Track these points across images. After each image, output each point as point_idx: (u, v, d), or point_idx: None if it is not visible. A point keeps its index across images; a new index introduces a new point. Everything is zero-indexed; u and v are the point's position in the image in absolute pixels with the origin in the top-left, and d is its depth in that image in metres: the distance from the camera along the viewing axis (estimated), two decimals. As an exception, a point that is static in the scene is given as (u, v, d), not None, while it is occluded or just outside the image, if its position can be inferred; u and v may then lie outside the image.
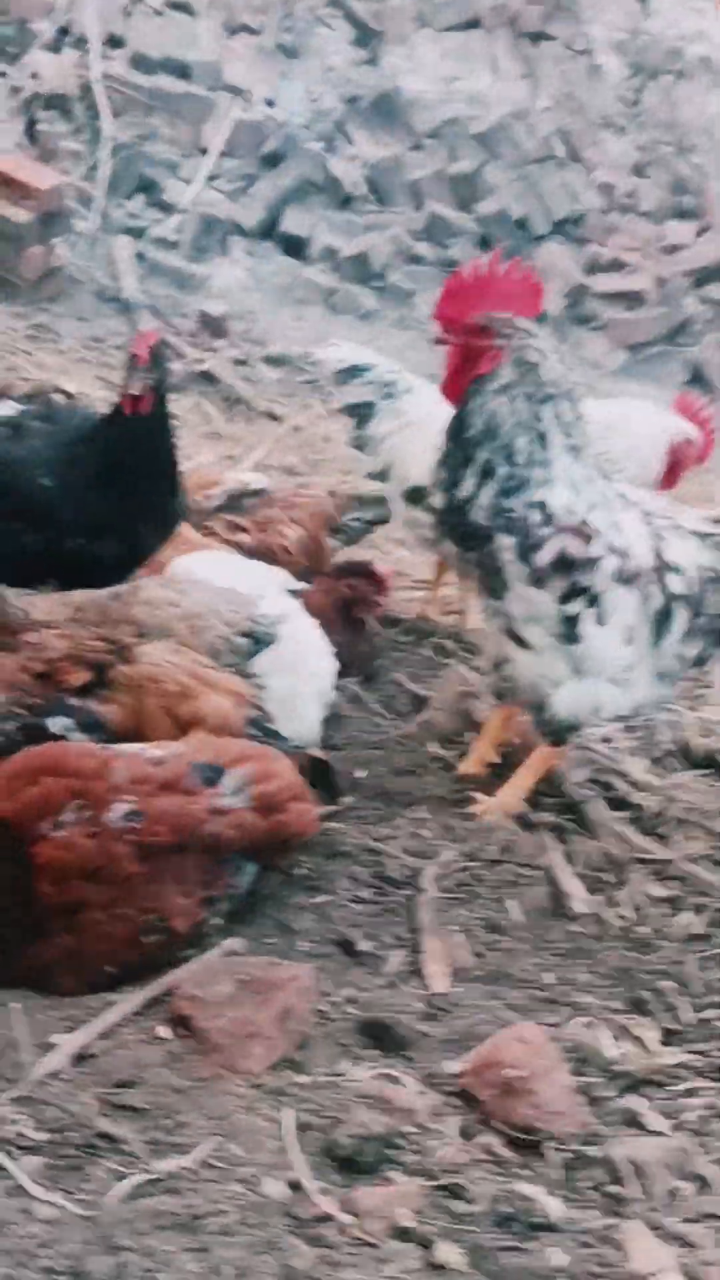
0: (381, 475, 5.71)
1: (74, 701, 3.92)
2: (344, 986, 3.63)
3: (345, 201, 10.34)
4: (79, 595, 4.40)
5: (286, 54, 10.60)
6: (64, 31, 10.31)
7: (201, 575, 4.53)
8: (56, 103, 10.04)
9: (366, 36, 10.76)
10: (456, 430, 4.19)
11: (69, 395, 8.29)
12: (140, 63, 10.20)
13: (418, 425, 5.49)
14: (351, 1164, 3.07)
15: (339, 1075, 3.33)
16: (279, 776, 3.75)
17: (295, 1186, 2.97)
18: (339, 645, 4.90)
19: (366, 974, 3.70)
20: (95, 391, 8.46)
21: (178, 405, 8.43)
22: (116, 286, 9.53)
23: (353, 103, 10.54)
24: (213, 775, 3.65)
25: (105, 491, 4.51)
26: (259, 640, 4.33)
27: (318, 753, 4.34)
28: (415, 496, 5.46)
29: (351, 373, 5.72)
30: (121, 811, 3.48)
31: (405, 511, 5.58)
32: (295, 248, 10.18)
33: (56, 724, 3.87)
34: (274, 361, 9.46)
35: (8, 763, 3.58)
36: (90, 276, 9.64)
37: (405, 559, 7.21)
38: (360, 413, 5.66)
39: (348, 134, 10.50)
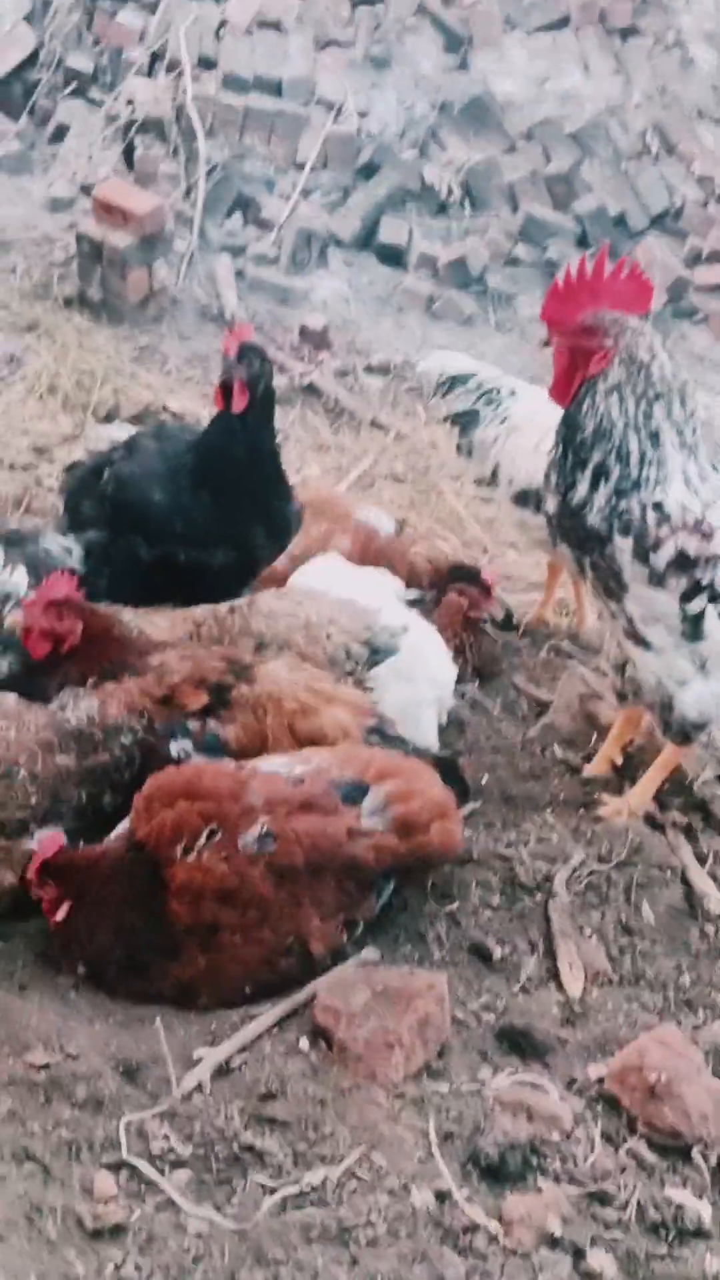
0: (490, 480, 5.72)
1: (193, 724, 3.96)
2: (480, 993, 3.63)
3: (441, 208, 10.33)
4: (198, 610, 4.45)
5: (377, 65, 10.62)
6: (156, 57, 10.42)
7: (320, 585, 4.56)
8: (152, 127, 10.15)
9: (455, 42, 10.75)
10: (568, 433, 4.17)
11: (176, 414, 8.38)
12: (233, 83, 10.27)
13: (523, 428, 5.49)
14: (496, 1172, 3.07)
15: (479, 1082, 3.33)
16: (422, 794, 3.71)
17: (442, 1196, 2.98)
18: (456, 650, 4.92)
19: (502, 980, 3.70)
20: (202, 410, 8.54)
21: (285, 419, 8.61)
22: (218, 304, 9.61)
23: (445, 109, 10.53)
24: (354, 794, 3.63)
25: (212, 499, 4.57)
26: (379, 650, 4.34)
27: (447, 754, 4.33)
28: (524, 499, 5.44)
29: (453, 383, 5.74)
30: (256, 834, 3.50)
31: (515, 514, 5.58)
32: (393, 257, 10.18)
33: (176, 746, 3.90)
34: (377, 371, 9.47)
35: (145, 786, 3.62)
36: (192, 296, 9.72)
37: (516, 561, 7.20)
38: (464, 420, 5.67)
39: (441, 140, 10.49)
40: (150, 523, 4.61)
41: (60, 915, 3.47)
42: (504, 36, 10.90)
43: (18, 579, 4.51)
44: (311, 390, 9.10)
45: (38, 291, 9.51)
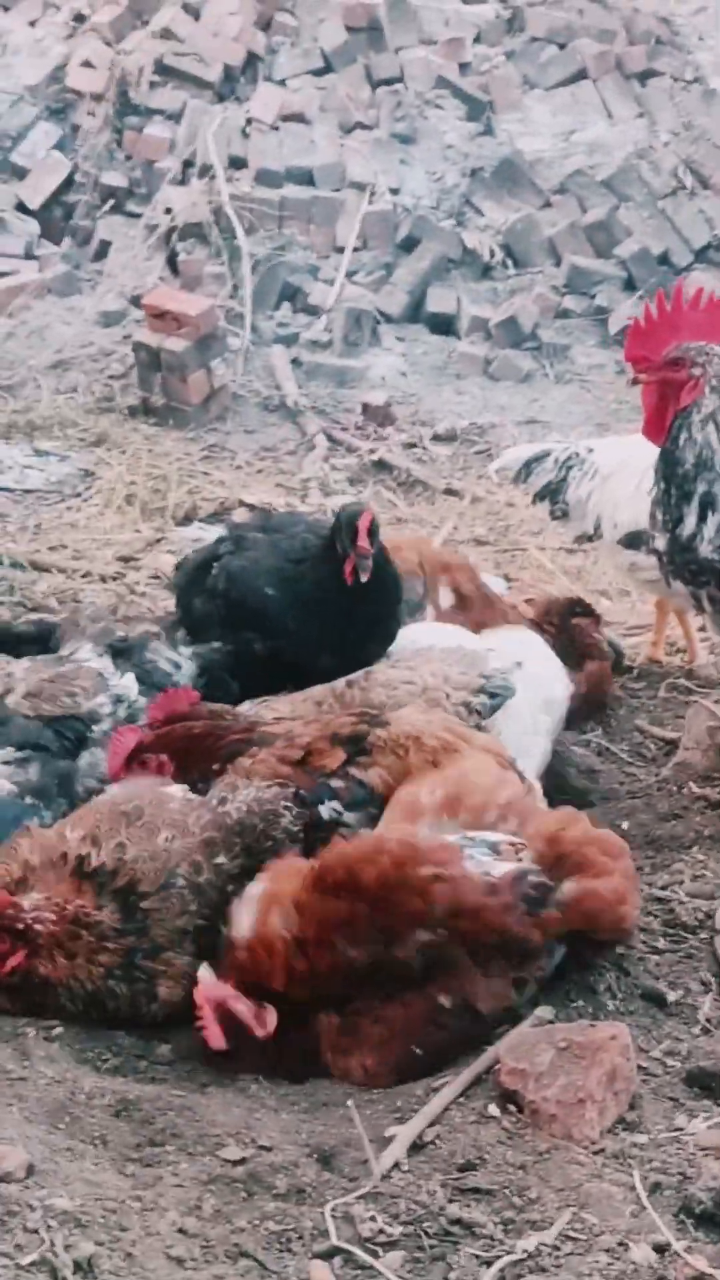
0: (592, 535, 5.73)
1: (336, 783, 3.94)
2: (661, 1039, 3.57)
3: (485, 271, 10.42)
4: (317, 690, 4.46)
5: (403, 141, 10.77)
6: (188, 164, 10.64)
7: (425, 640, 4.56)
8: (192, 231, 10.34)
9: (478, 109, 10.89)
10: (667, 468, 4.17)
11: (252, 508, 8.46)
12: (265, 177, 10.46)
13: (615, 475, 5.52)
14: (713, 1219, 3.00)
15: (677, 1130, 3.27)
16: (603, 891, 3.60)
17: (661, 1249, 2.91)
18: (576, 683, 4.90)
19: (680, 1023, 3.64)
20: (276, 499, 8.62)
21: (358, 498, 8.67)
22: (279, 394, 9.72)
23: (475, 175, 10.65)
24: (539, 899, 3.55)
25: (327, 614, 4.59)
26: (497, 695, 4.33)
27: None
28: (633, 542, 5.43)
29: (530, 466, 5.85)
30: (419, 941, 3.47)
31: (621, 557, 5.57)
32: (444, 325, 10.27)
33: (326, 810, 3.88)
34: (443, 439, 9.53)
35: (309, 877, 3.56)
36: (252, 390, 9.85)
37: (611, 607, 7.17)
38: (551, 491, 5.76)
39: (476, 205, 10.60)
40: (263, 619, 4.63)
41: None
42: (524, 97, 11.04)
43: (128, 683, 4.54)
44: (382, 466, 9.17)
45: (101, 405, 9.67)
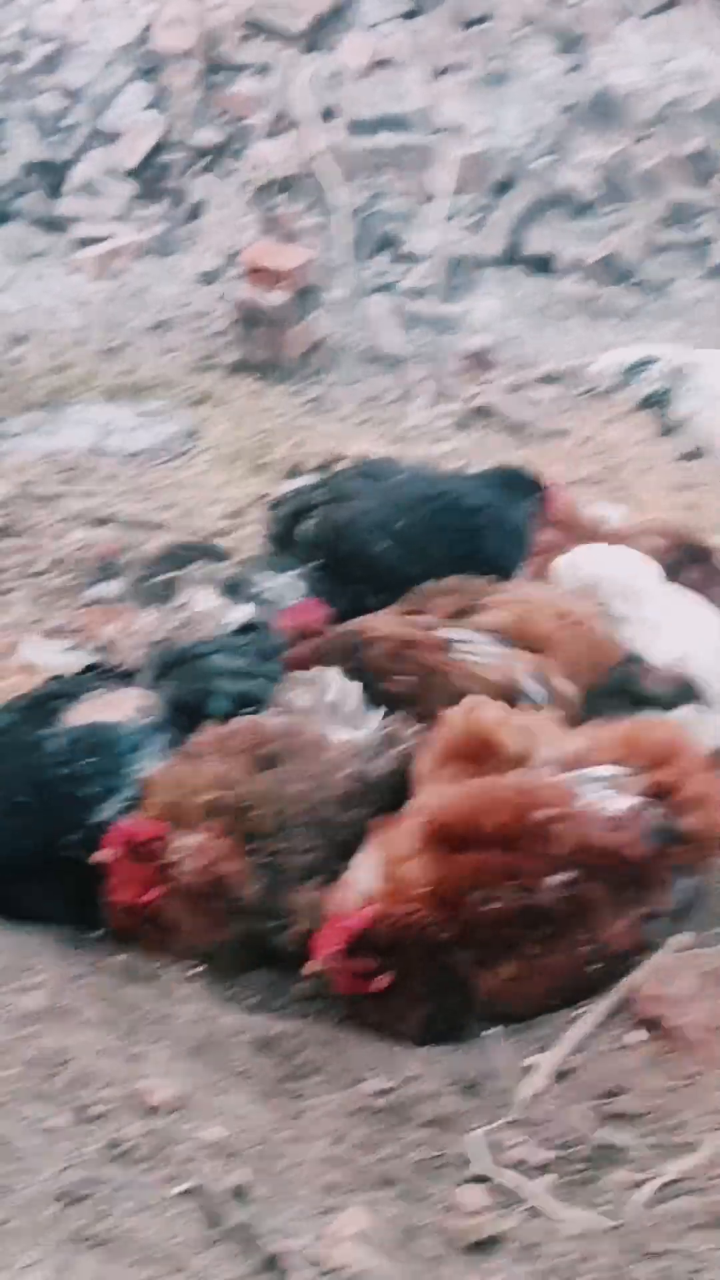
0: (696, 454, 5.63)
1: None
2: None
3: (584, 209, 10.24)
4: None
5: (495, 81, 10.59)
6: (279, 118, 10.57)
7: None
8: (287, 185, 10.28)
9: (570, 43, 10.68)
10: None
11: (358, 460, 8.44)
12: (357, 126, 10.35)
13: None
14: None
15: None
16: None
17: None
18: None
19: None
20: (383, 449, 8.58)
21: (465, 442, 8.61)
22: (380, 344, 9.66)
23: (570, 110, 10.45)
24: (667, 838, 3.53)
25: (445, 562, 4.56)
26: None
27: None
28: None
29: (636, 369, 5.68)
30: (556, 882, 3.43)
31: None
32: (543, 266, 10.10)
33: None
34: (549, 380, 9.39)
35: (428, 827, 3.53)
36: (353, 341, 9.79)
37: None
38: (658, 400, 5.60)
39: (572, 143, 10.42)
40: (376, 573, 4.58)
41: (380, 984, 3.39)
42: (617, 28, 10.79)
43: (246, 610, 4.55)
44: (486, 411, 9.08)
45: (202, 364, 9.68)
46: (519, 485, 4.91)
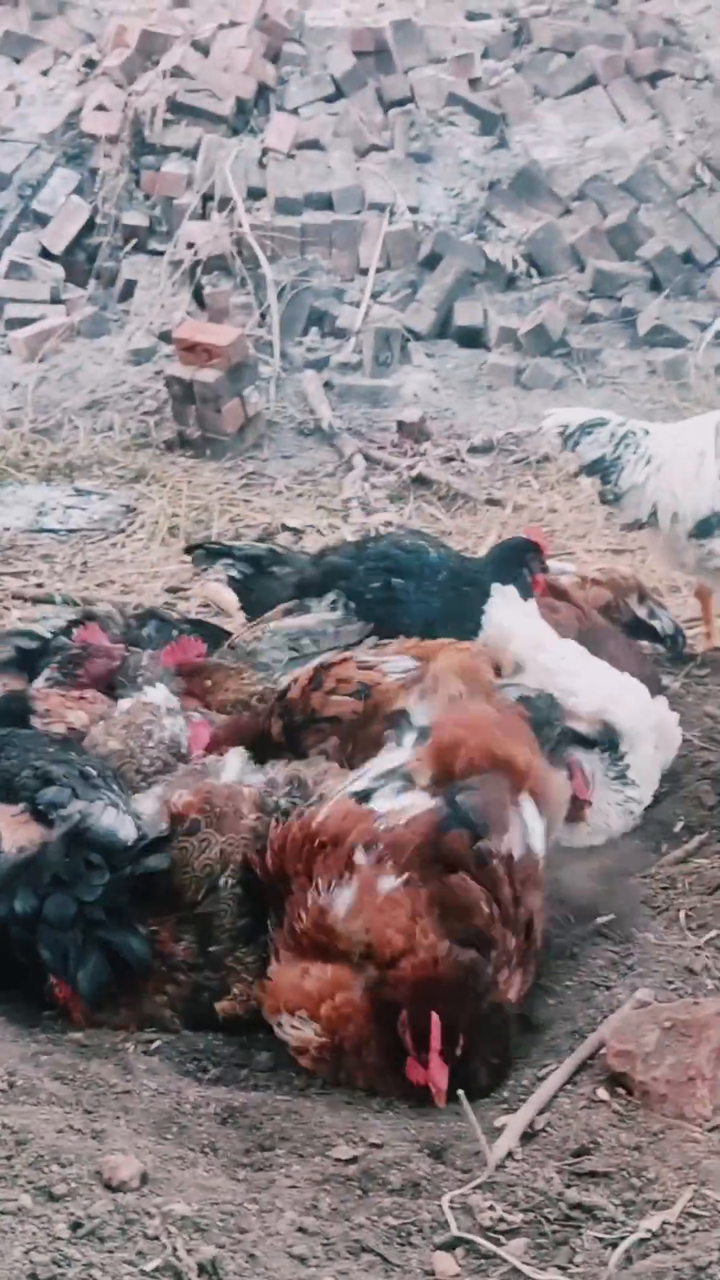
0: (637, 525, 5.65)
1: None
2: (765, 1014, 3.51)
3: (510, 282, 10.40)
4: None
5: (419, 160, 10.78)
6: (207, 198, 10.68)
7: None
8: (216, 264, 10.37)
9: (490, 122, 10.90)
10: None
11: (296, 530, 8.50)
12: (285, 206, 10.48)
13: (672, 463, 5.42)
14: None
15: (791, 1103, 3.22)
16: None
17: (788, 1220, 2.86)
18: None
19: (782, 998, 3.58)
20: (319, 521, 8.64)
21: (401, 514, 8.67)
22: (313, 418, 9.73)
23: (493, 188, 10.65)
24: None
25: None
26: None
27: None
28: (704, 529, 5.35)
29: (583, 431, 5.67)
30: None
31: (687, 551, 5.45)
32: (472, 338, 10.25)
33: None
34: (481, 451, 9.51)
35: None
36: (287, 415, 9.86)
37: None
38: (603, 469, 5.58)
39: (496, 218, 10.59)
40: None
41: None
42: (536, 107, 11.04)
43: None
44: (421, 481, 9.15)
45: (138, 441, 9.70)
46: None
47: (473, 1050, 3.33)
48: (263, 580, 5.31)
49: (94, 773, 3.91)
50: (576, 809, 4.25)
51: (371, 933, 3.41)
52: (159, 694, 4.40)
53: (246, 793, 3.82)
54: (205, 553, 5.88)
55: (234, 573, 5.45)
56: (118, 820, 3.69)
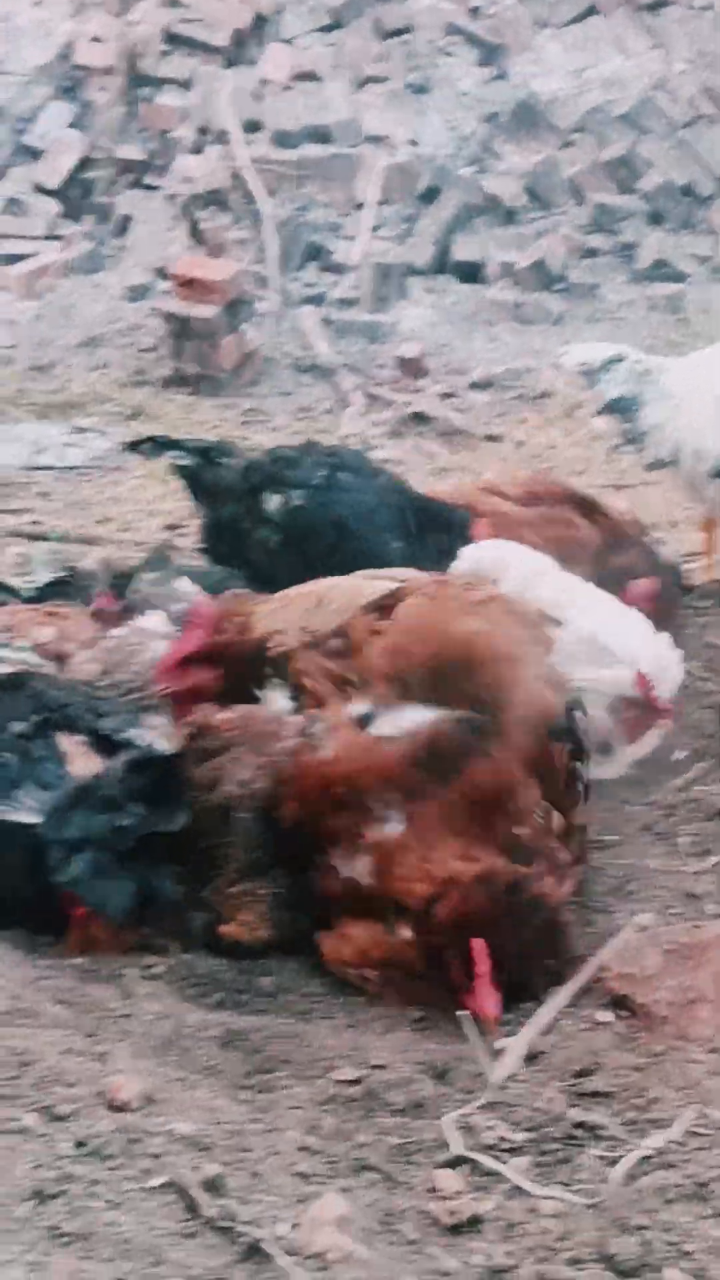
0: (667, 462, 5.55)
1: None
2: (766, 937, 3.52)
3: (509, 216, 10.33)
4: None
5: (417, 91, 10.69)
6: (203, 131, 10.58)
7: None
8: (212, 198, 10.28)
9: (490, 53, 10.79)
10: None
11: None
12: (281, 139, 10.39)
13: (692, 400, 5.31)
14: None
15: None
16: None
17: (789, 1139, 2.87)
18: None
19: (784, 920, 3.59)
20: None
21: (400, 450, 8.62)
22: (311, 355, 9.67)
23: (492, 120, 10.55)
24: None
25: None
26: None
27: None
28: None
29: (604, 368, 5.53)
30: None
31: (713, 486, 5.37)
32: (471, 273, 10.19)
33: None
34: (480, 386, 9.45)
35: None
36: (284, 352, 9.80)
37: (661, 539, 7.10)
38: (623, 406, 5.45)
39: (495, 150, 10.51)
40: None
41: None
42: (536, 36, 10.93)
43: None
44: (420, 418, 9.10)
45: (135, 379, 9.65)
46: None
47: (528, 963, 3.33)
48: (212, 470, 5.28)
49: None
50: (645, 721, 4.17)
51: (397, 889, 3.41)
52: (154, 620, 4.36)
53: (291, 720, 3.80)
54: (154, 445, 5.88)
55: (184, 462, 5.46)
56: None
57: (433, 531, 4.91)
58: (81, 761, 3.77)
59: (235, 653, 4.03)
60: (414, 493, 5.19)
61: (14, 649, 4.34)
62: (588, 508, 5.21)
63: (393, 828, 3.47)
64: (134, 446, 6.27)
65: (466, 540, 4.76)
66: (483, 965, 3.26)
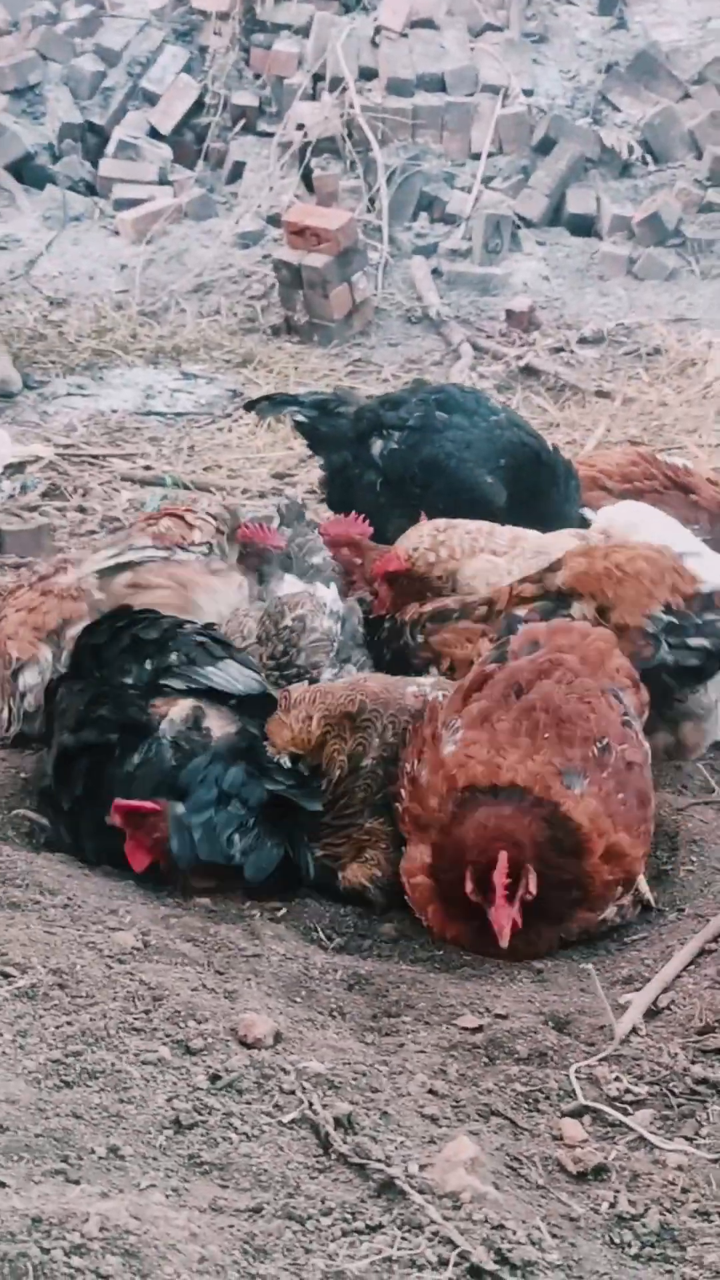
0: None
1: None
2: None
3: (625, 169, 10.20)
4: None
5: (535, 41, 10.55)
6: (318, 78, 10.52)
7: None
8: (326, 146, 10.24)
9: (609, 2, 10.63)
10: None
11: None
12: (396, 87, 10.31)
13: None
14: None
15: None
16: None
17: None
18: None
19: None
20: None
21: (509, 403, 8.58)
22: (421, 306, 9.64)
23: (610, 70, 10.40)
24: None
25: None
26: None
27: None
28: None
29: None
30: None
31: None
32: (585, 226, 10.08)
33: None
34: (591, 341, 9.38)
35: None
36: (394, 302, 9.77)
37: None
38: None
39: (612, 102, 10.36)
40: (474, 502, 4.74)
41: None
42: (658, -14, 10.75)
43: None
44: (530, 371, 9.06)
45: (245, 326, 9.68)
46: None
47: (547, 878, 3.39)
48: (329, 419, 5.54)
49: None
50: None
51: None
52: (329, 593, 4.42)
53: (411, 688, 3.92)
54: (270, 403, 6.01)
55: (301, 417, 5.59)
56: None
57: (530, 470, 5.02)
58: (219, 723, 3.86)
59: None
60: (521, 432, 5.25)
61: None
62: (687, 491, 5.26)
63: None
64: (251, 406, 6.38)
65: (563, 483, 4.88)
66: (501, 882, 3.30)
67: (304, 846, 3.66)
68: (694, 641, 3.91)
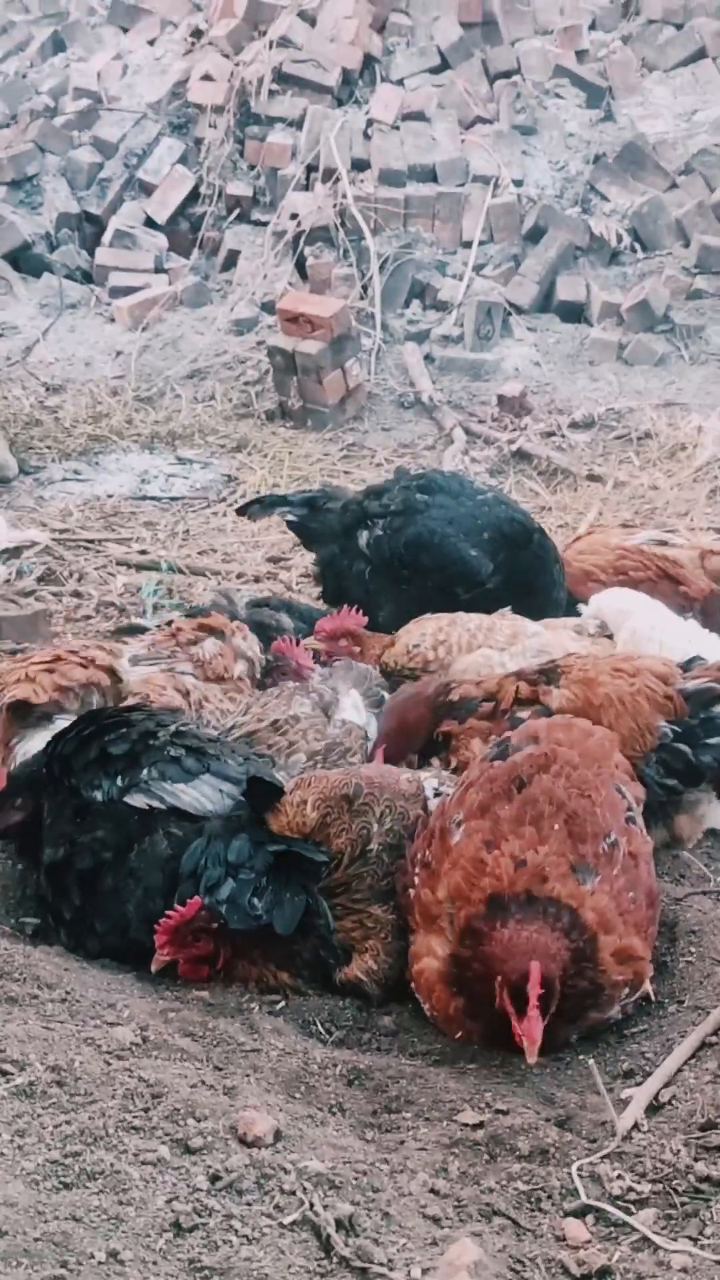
0: None
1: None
2: None
3: (613, 257, 10.36)
4: None
5: (524, 132, 10.75)
6: (311, 169, 10.70)
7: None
8: (319, 235, 10.40)
9: (597, 95, 10.84)
10: None
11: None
12: (388, 177, 10.49)
13: None
14: None
15: None
16: None
17: None
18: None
19: None
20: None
21: (502, 487, 8.66)
22: (414, 391, 9.75)
23: (599, 161, 10.60)
24: None
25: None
26: None
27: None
28: None
29: None
30: None
31: None
32: (575, 313, 10.23)
33: None
34: (582, 426, 9.48)
35: None
36: (387, 388, 9.89)
37: None
38: None
39: (601, 191, 10.54)
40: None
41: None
42: (643, 80, 10.96)
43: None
44: (522, 456, 9.15)
45: (239, 411, 9.78)
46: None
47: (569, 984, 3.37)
48: (318, 516, 5.72)
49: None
50: None
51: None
52: (362, 717, 4.47)
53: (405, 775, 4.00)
54: (260, 505, 6.12)
55: (291, 516, 5.68)
56: None
57: (514, 548, 5.10)
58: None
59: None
60: (506, 510, 5.36)
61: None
62: (677, 583, 5.34)
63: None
64: (243, 510, 6.47)
65: (543, 559, 4.96)
66: (535, 992, 3.26)
67: (321, 895, 3.67)
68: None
